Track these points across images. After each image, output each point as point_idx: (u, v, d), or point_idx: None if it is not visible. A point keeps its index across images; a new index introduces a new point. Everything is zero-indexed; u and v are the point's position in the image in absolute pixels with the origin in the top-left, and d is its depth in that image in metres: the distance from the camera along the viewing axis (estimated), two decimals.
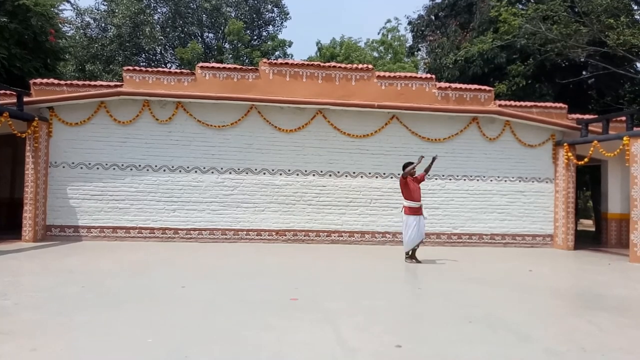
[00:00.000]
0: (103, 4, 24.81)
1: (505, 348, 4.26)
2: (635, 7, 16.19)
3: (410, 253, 9.02)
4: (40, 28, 14.11)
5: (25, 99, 10.62)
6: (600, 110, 15.82)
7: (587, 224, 23.87)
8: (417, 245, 9.01)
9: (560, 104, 12.60)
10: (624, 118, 11.57)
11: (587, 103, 17.09)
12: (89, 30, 24.12)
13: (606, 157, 11.51)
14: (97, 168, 11.23)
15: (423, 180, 9.21)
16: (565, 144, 11.99)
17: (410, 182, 8.97)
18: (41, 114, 10.99)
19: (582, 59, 15.95)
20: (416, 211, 8.83)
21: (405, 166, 9.10)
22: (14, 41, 13.38)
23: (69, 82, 11.64)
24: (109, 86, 11.61)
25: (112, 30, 23.62)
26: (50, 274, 7.13)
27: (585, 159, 11.47)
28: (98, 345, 3.97)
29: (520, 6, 17.67)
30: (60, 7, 16.50)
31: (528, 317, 5.35)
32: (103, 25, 24.33)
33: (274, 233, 11.59)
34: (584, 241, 13.50)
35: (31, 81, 11.36)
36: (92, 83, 11.83)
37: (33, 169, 10.57)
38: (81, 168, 11.19)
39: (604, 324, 5.09)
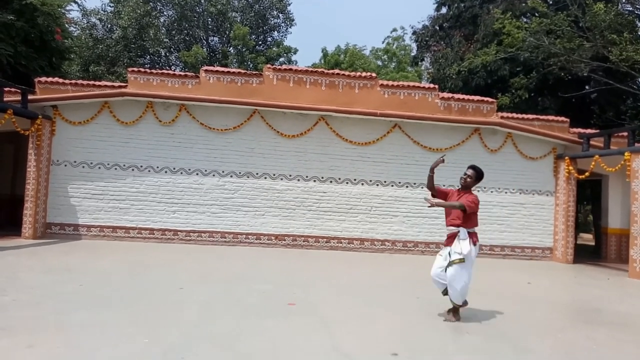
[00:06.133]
0: (109, 5, 24.96)
1: None
2: (639, 24, 16.27)
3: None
4: (46, 27, 14.18)
5: (30, 97, 10.65)
6: (602, 125, 15.86)
7: (587, 238, 23.84)
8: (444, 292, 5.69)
9: (562, 118, 12.64)
10: (625, 133, 11.60)
11: (589, 118, 17.14)
12: (95, 31, 24.22)
13: (607, 172, 11.51)
14: (99, 167, 11.25)
15: (469, 204, 5.56)
16: (566, 157, 12.01)
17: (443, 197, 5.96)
18: (45, 112, 11.03)
19: (585, 74, 16.01)
20: (447, 241, 5.74)
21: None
22: (20, 39, 13.44)
23: (73, 81, 11.70)
24: (113, 87, 11.66)
25: (117, 32, 23.73)
26: (49, 271, 7.12)
27: (586, 173, 11.48)
28: (94, 344, 3.97)
29: (524, 19, 17.79)
30: (67, 7, 16.59)
31: (525, 329, 5.34)
32: (109, 26, 24.45)
33: (273, 238, 11.57)
34: (583, 255, 13.48)
35: (36, 79, 11.41)
36: (97, 83, 11.87)
37: (35, 166, 10.58)
38: (83, 167, 11.21)
39: (601, 339, 5.08)
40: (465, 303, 5.60)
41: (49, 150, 11.02)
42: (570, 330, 5.60)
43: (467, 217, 5.58)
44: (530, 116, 12.59)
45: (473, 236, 5.56)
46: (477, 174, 5.88)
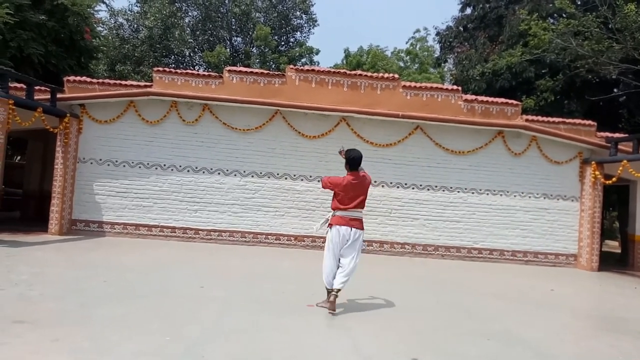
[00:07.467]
0: (136, 6, 25.42)
1: None
2: None
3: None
4: (76, 27, 14.52)
5: (59, 95, 10.93)
6: (631, 130, 15.44)
7: (613, 246, 23.23)
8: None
9: (589, 121, 12.34)
10: None
11: (617, 121, 16.71)
12: (122, 31, 24.70)
13: (635, 177, 11.21)
14: (124, 166, 11.47)
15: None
16: (593, 162, 11.73)
17: None
18: (73, 110, 11.29)
19: (614, 77, 15.62)
20: None
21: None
22: (51, 39, 13.79)
23: (100, 80, 11.95)
24: (138, 86, 11.87)
25: (143, 32, 24.15)
26: (74, 267, 7.30)
27: (614, 179, 11.19)
28: (117, 339, 4.05)
29: (551, 21, 17.44)
30: (95, 8, 16.96)
31: (548, 336, 5.24)
32: (135, 26, 24.90)
33: (292, 238, 11.62)
34: (608, 263, 13.15)
35: (65, 78, 11.69)
36: (123, 82, 12.10)
37: (62, 163, 10.85)
38: (108, 165, 11.44)
39: (626, 349, 4.96)
40: (329, 292, 5.56)
41: (75, 148, 11.28)
42: (594, 338, 5.48)
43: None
44: (556, 119, 12.33)
45: (333, 219, 5.68)
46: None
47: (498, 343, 4.82)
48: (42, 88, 10.80)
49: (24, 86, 10.45)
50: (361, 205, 5.69)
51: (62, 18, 14.00)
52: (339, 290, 5.53)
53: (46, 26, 13.43)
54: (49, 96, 10.68)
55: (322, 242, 11.57)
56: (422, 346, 4.53)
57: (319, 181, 11.72)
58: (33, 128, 10.51)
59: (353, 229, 5.59)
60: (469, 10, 21.67)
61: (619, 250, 18.25)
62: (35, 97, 10.32)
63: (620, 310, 7.20)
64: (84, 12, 14.69)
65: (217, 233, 11.49)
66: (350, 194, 5.59)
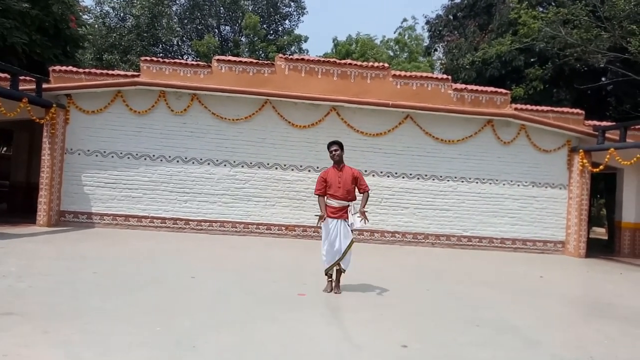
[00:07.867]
0: None
1: (512, 352, 4.25)
2: None
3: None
4: (60, 15, 14.26)
5: (44, 85, 10.74)
6: (618, 118, 15.58)
7: (600, 232, 23.57)
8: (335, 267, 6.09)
9: (577, 110, 12.44)
10: None
11: (605, 110, 16.85)
12: (108, 19, 24.31)
13: (622, 165, 11.35)
14: (112, 156, 11.35)
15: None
16: (580, 150, 11.84)
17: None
18: (59, 100, 11.13)
19: (602, 65, 15.70)
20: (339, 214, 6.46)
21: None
22: (35, 28, 13.53)
23: (87, 70, 11.76)
24: (126, 76, 11.71)
25: (130, 20, 23.79)
26: (63, 258, 7.24)
27: (601, 167, 11.31)
28: (108, 331, 4.04)
29: (541, 9, 17.46)
30: None
31: (536, 322, 5.32)
32: (122, 14, 24.52)
33: (283, 228, 11.62)
34: (596, 249, 13.35)
35: (50, 68, 11.49)
36: (110, 72, 11.93)
37: (49, 155, 10.71)
38: (96, 156, 11.32)
39: (613, 334, 5.05)
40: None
41: (62, 139, 11.13)
42: (581, 324, 5.58)
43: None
44: (545, 108, 12.41)
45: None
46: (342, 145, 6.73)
47: (488, 330, 4.88)
48: (27, 78, 10.61)
49: (8, 76, 10.25)
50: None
51: (46, 6, 13.74)
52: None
53: (30, 14, 13.16)
54: (34, 86, 10.50)
55: (313, 232, 11.67)
56: (412, 334, 4.58)
57: (309, 171, 11.74)
58: (19, 119, 10.35)
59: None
60: None
61: (605, 237, 18.53)
62: (20, 88, 10.14)
63: (607, 296, 7.33)
64: (68, 0, 14.42)
65: (208, 223, 11.46)
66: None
